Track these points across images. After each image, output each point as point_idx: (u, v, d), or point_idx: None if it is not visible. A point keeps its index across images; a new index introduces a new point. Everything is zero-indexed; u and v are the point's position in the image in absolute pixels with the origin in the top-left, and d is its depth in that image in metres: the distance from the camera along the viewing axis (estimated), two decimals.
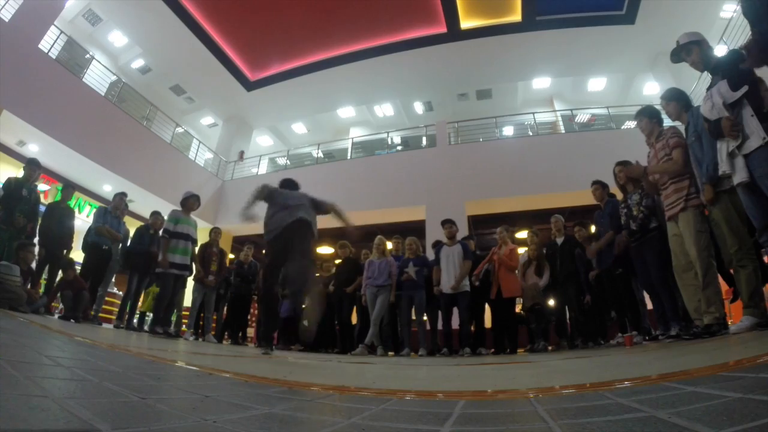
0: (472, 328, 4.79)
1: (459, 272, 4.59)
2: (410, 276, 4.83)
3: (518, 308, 5.18)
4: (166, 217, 4.91)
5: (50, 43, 7.74)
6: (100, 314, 5.26)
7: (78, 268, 5.11)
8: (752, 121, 2.13)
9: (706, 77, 2.58)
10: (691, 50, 2.53)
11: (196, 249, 5.20)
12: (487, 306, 5.10)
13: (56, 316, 5.03)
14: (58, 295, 4.81)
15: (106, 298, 5.75)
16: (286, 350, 5.31)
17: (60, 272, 4.95)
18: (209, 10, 9.90)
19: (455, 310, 4.72)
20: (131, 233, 5.59)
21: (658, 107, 3.24)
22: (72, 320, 4.46)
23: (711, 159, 2.43)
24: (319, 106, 13.15)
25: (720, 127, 2.24)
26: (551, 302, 4.91)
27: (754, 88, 2.16)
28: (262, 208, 3.24)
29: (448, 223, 4.91)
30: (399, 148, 12.29)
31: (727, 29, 7.34)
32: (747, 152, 2.17)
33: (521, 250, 5.26)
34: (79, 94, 7.99)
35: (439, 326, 5.12)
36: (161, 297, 4.58)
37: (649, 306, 3.82)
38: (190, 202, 4.84)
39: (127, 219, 5.77)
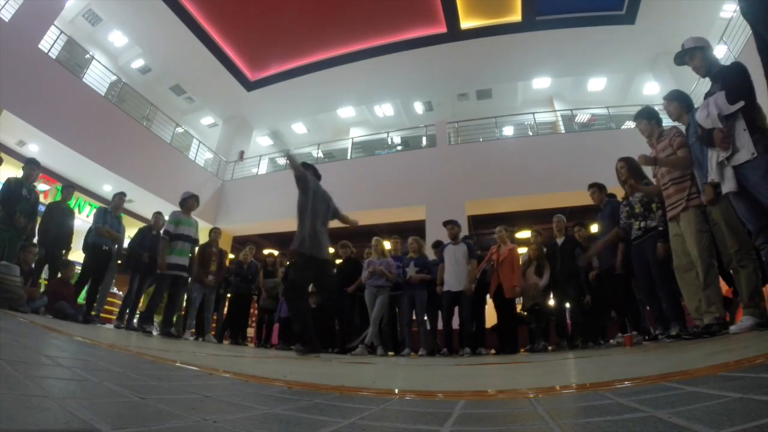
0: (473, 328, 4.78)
1: (469, 273, 4.59)
2: (417, 277, 4.83)
3: (518, 308, 5.18)
4: (166, 218, 4.91)
5: (50, 43, 7.73)
6: (102, 314, 5.27)
7: (78, 268, 5.10)
8: (744, 135, 2.17)
9: (707, 78, 2.60)
10: (694, 55, 2.56)
11: (197, 249, 5.20)
12: (486, 306, 5.09)
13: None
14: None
15: (107, 299, 5.75)
16: (286, 350, 5.31)
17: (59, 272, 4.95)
18: (209, 10, 9.90)
19: (456, 310, 4.71)
20: (130, 233, 5.59)
21: (658, 107, 3.24)
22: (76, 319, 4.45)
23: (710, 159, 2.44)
24: (319, 106, 13.15)
25: (711, 137, 2.26)
26: (551, 302, 4.91)
27: (750, 103, 2.18)
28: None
29: (450, 224, 4.88)
30: (399, 148, 12.28)
31: (727, 29, 7.34)
32: (736, 164, 2.21)
33: (521, 250, 5.25)
34: (79, 94, 7.99)
35: (439, 326, 5.11)
36: (155, 296, 4.58)
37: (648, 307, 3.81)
38: (189, 203, 4.82)
39: (126, 219, 5.77)
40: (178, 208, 4.88)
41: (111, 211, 5.25)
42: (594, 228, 4.67)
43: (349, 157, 11.32)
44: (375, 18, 10.05)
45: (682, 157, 2.76)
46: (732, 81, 2.29)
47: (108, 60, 10.62)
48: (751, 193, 2.18)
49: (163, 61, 11.23)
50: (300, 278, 3.34)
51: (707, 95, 2.43)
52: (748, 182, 2.17)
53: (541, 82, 12.16)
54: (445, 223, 4.92)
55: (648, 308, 3.71)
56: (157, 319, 5.42)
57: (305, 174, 3.41)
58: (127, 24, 10.29)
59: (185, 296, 5.52)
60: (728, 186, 2.25)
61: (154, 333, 4.78)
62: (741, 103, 2.18)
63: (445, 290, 4.64)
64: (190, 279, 5.66)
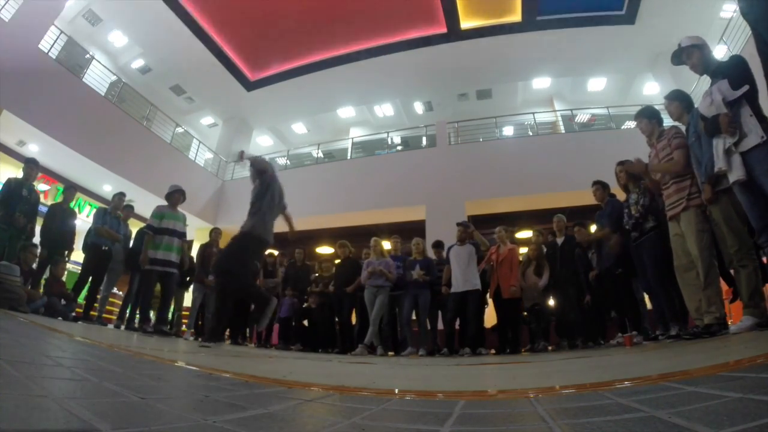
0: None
1: (477, 266, 4.61)
2: (422, 277, 4.83)
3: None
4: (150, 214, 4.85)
5: (50, 43, 7.74)
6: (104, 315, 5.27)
7: (69, 266, 5.10)
8: (751, 120, 2.14)
9: (706, 78, 2.59)
10: (691, 53, 2.55)
11: (187, 244, 5.16)
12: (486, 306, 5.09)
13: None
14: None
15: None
16: (286, 350, 5.31)
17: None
18: (209, 10, 9.90)
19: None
20: (133, 234, 5.58)
21: (659, 107, 3.24)
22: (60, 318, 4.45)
23: (710, 158, 2.43)
24: (319, 106, 13.15)
25: (716, 123, 2.24)
26: (551, 302, 4.90)
27: (753, 88, 2.17)
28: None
29: (461, 226, 4.87)
30: (399, 148, 12.28)
31: (726, 29, 7.34)
32: (744, 150, 2.17)
33: (522, 250, 5.25)
34: (79, 94, 7.99)
35: (439, 326, 5.10)
36: (144, 293, 4.54)
37: (650, 306, 3.81)
38: (175, 197, 4.75)
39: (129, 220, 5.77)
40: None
41: (111, 212, 5.25)
42: (594, 228, 4.67)
43: (349, 157, 11.32)
44: (375, 18, 10.05)
45: (675, 161, 2.76)
46: (733, 70, 2.28)
47: (108, 60, 10.61)
48: (756, 186, 2.13)
49: (163, 61, 11.21)
50: (242, 261, 3.34)
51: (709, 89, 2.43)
52: (753, 171, 2.13)
53: (541, 82, 12.16)
54: (459, 224, 4.92)
55: (651, 308, 3.71)
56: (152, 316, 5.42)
57: (272, 167, 3.44)
58: (127, 24, 10.28)
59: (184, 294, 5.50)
60: (736, 174, 2.20)
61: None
62: (746, 87, 2.16)
63: (452, 291, 4.62)
64: (191, 278, 5.67)
